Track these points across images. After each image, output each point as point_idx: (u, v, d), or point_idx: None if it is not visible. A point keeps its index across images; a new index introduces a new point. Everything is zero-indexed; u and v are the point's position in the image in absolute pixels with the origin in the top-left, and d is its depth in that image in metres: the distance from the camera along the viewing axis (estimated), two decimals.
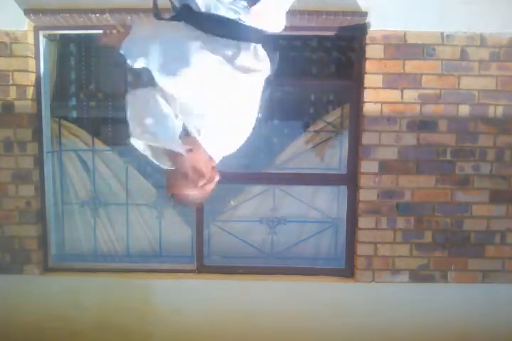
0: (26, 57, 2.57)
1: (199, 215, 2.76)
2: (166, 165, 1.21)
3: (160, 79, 1.13)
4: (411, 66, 2.51)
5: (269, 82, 1.27)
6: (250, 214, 2.92)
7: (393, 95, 2.53)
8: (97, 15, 2.49)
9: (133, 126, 1.18)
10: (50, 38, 2.75)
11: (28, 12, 2.51)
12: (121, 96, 2.96)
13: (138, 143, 1.18)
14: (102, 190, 2.92)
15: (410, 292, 2.64)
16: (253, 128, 1.27)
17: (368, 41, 2.51)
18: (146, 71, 1.16)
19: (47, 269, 2.77)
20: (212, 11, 1.17)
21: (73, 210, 2.94)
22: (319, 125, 2.88)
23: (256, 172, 2.84)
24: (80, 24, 2.58)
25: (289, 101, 3.02)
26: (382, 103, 2.54)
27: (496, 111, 2.54)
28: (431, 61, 2.51)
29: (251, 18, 1.21)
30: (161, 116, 1.14)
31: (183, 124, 1.16)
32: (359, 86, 2.60)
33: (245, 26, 1.21)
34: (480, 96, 2.53)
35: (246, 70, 1.18)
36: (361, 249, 2.64)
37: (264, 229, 2.92)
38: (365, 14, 2.49)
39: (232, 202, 2.94)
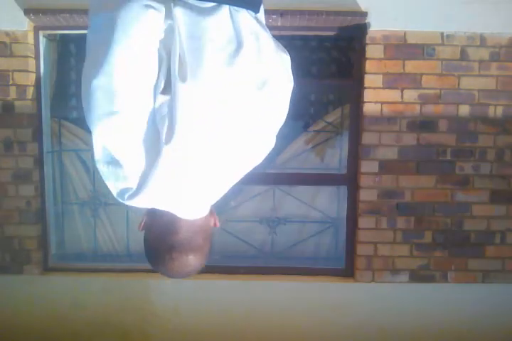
0: (26, 57, 2.57)
1: None
2: None
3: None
4: (411, 66, 2.51)
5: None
6: (250, 214, 2.92)
7: (393, 95, 2.53)
8: None
9: None
10: (50, 38, 2.75)
11: (28, 12, 2.51)
12: None
13: None
14: (102, 190, 2.92)
15: (410, 292, 2.64)
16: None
17: (368, 41, 2.51)
18: None
19: (47, 269, 2.77)
20: None
21: (73, 210, 2.94)
22: (319, 125, 2.88)
23: (256, 172, 2.83)
24: (80, 24, 2.58)
25: (289, 101, 3.02)
26: (382, 103, 2.54)
27: (496, 111, 2.54)
28: (431, 61, 2.51)
29: None
30: None
31: None
32: (359, 86, 2.60)
33: None
34: (480, 96, 2.53)
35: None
36: (361, 249, 2.64)
37: (264, 229, 2.92)
38: (365, 14, 2.49)
39: (232, 202, 2.94)
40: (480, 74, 2.52)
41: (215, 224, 1.02)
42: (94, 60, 0.79)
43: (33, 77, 2.63)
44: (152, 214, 0.94)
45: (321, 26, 2.57)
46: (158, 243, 0.93)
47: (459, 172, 2.58)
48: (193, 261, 0.95)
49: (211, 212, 1.00)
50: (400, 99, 2.53)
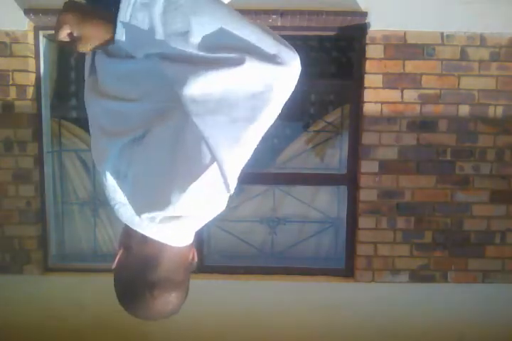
0: (26, 57, 2.57)
1: None
2: None
3: None
4: (411, 66, 2.51)
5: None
6: (250, 214, 2.92)
7: (393, 95, 2.53)
8: None
9: None
10: (50, 38, 2.75)
11: (28, 12, 2.51)
12: None
13: None
14: (102, 190, 2.92)
15: (410, 292, 2.64)
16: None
17: (368, 41, 2.51)
18: None
19: (47, 269, 2.77)
20: None
21: (73, 210, 2.94)
22: (319, 125, 2.88)
23: (256, 172, 2.84)
24: None
25: (289, 101, 3.02)
26: (382, 103, 2.54)
27: (496, 111, 2.54)
28: (431, 61, 2.51)
29: None
30: None
31: None
32: (359, 86, 2.59)
33: None
34: (480, 96, 2.53)
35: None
36: (361, 249, 2.64)
37: (264, 229, 2.92)
38: (365, 14, 2.49)
39: (232, 202, 2.93)
40: (480, 74, 2.52)
41: (193, 258, 0.93)
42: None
43: (33, 77, 2.62)
44: (130, 247, 0.85)
45: (321, 26, 2.57)
46: (137, 280, 0.83)
47: (459, 172, 2.58)
48: (175, 298, 0.85)
49: (191, 245, 0.91)
50: (400, 99, 2.53)
